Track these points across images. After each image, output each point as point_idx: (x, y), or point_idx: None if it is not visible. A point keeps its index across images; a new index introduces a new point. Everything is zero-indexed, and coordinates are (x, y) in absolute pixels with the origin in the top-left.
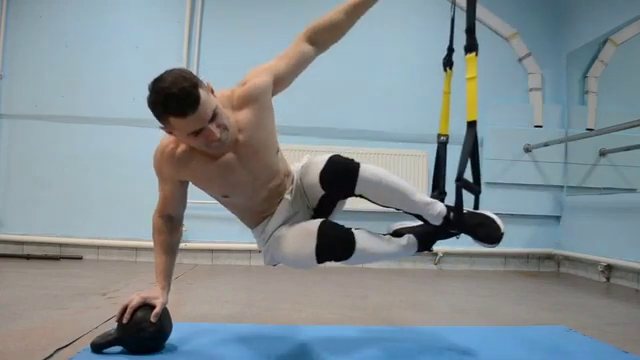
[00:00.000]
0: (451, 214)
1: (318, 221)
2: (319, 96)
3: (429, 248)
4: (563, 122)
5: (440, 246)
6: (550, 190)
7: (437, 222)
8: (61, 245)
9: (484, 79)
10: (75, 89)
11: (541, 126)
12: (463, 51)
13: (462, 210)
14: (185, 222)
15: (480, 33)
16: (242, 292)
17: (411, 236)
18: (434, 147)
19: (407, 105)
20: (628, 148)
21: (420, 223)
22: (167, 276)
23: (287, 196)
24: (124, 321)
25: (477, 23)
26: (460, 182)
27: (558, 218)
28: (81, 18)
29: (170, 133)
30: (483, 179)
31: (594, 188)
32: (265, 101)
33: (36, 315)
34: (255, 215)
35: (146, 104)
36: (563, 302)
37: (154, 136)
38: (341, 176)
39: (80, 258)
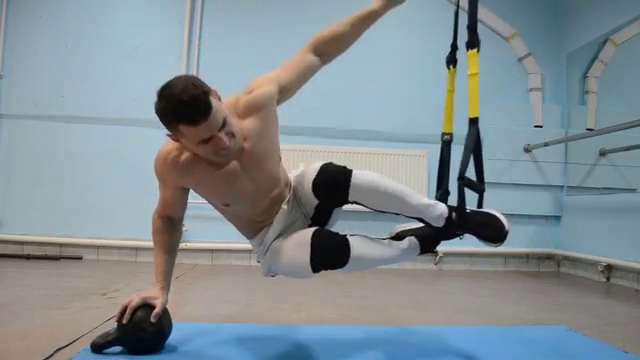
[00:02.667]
0: (453, 214)
1: (311, 230)
2: (319, 96)
3: (432, 250)
4: (563, 122)
5: (440, 246)
6: (550, 190)
7: (439, 224)
8: (61, 245)
9: (484, 79)
10: (75, 89)
11: (541, 126)
12: (465, 48)
13: (464, 210)
14: (185, 222)
15: (480, 33)
16: (242, 292)
17: (412, 239)
18: (434, 147)
19: (407, 105)
20: (628, 148)
21: (422, 225)
22: (167, 276)
23: (284, 206)
24: (124, 321)
25: (478, 23)
26: (462, 181)
27: (558, 218)
28: (81, 18)
29: (177, 141)
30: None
31: (594, 188)
32: (270, 110)
33: (36, 315)
34: (254, 224)
35: (145, 104)
36: (563, 302)
37: (154, 136)
38: (333, 184)
39: (80, 258)
